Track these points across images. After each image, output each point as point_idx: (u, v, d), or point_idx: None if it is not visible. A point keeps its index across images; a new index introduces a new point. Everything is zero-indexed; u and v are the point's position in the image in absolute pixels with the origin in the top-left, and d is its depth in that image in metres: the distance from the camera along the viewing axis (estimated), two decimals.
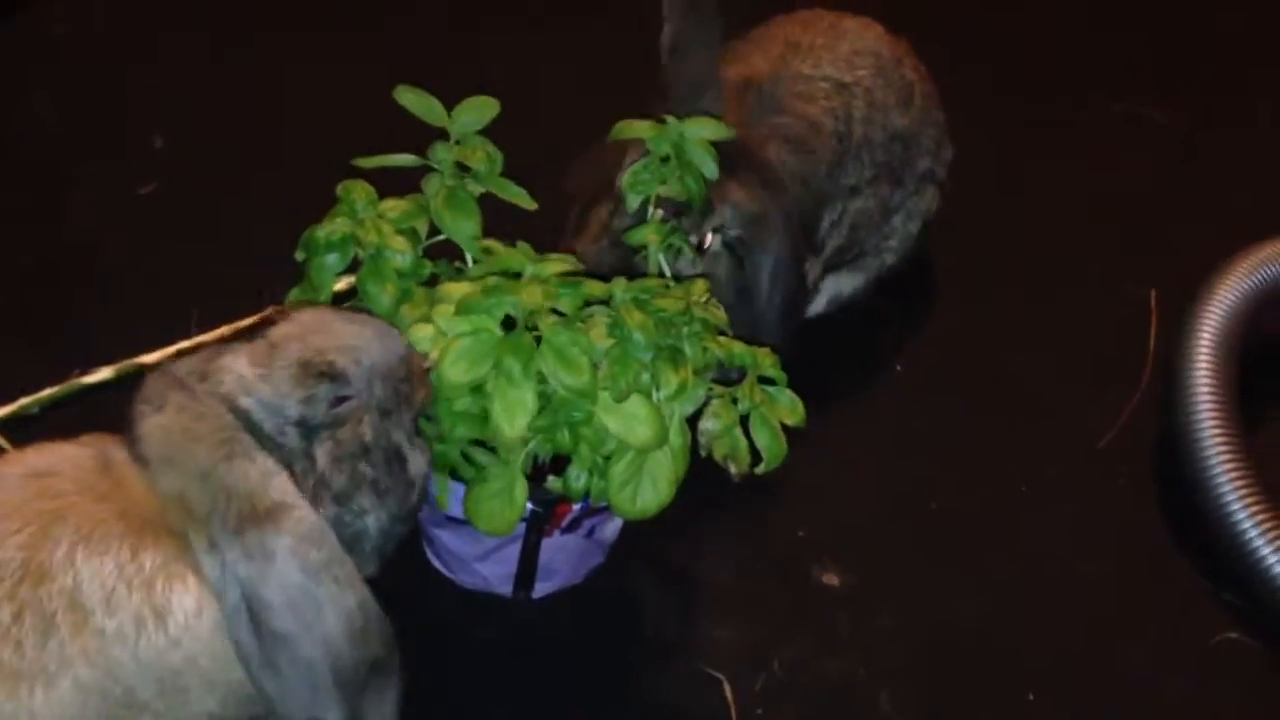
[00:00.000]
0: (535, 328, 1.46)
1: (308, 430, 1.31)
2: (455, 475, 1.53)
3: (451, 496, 1.56)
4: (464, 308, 1.45)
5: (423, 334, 1.48)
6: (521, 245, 1.58)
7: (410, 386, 1.40)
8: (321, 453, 1.32)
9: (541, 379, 1.45)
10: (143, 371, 1.41)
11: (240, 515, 1.23)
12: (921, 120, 2.07)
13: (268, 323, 1.35)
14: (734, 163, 1.76)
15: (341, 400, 1.32)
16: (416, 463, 1.41)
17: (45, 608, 1.20)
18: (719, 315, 1.58)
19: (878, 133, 2.00)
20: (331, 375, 1.31)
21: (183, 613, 1.23)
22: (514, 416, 1.44)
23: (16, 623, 1.20)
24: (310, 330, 1.33)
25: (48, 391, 1.89)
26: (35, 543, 1.22)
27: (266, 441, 1.28)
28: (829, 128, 1.95)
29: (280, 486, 1.26)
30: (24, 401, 1.87)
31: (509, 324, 1.46)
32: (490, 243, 1.59)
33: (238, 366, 1.30)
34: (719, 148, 1.69)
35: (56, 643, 1.20)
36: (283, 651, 1.24)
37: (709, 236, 1.75)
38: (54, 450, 1.32)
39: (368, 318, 1.40)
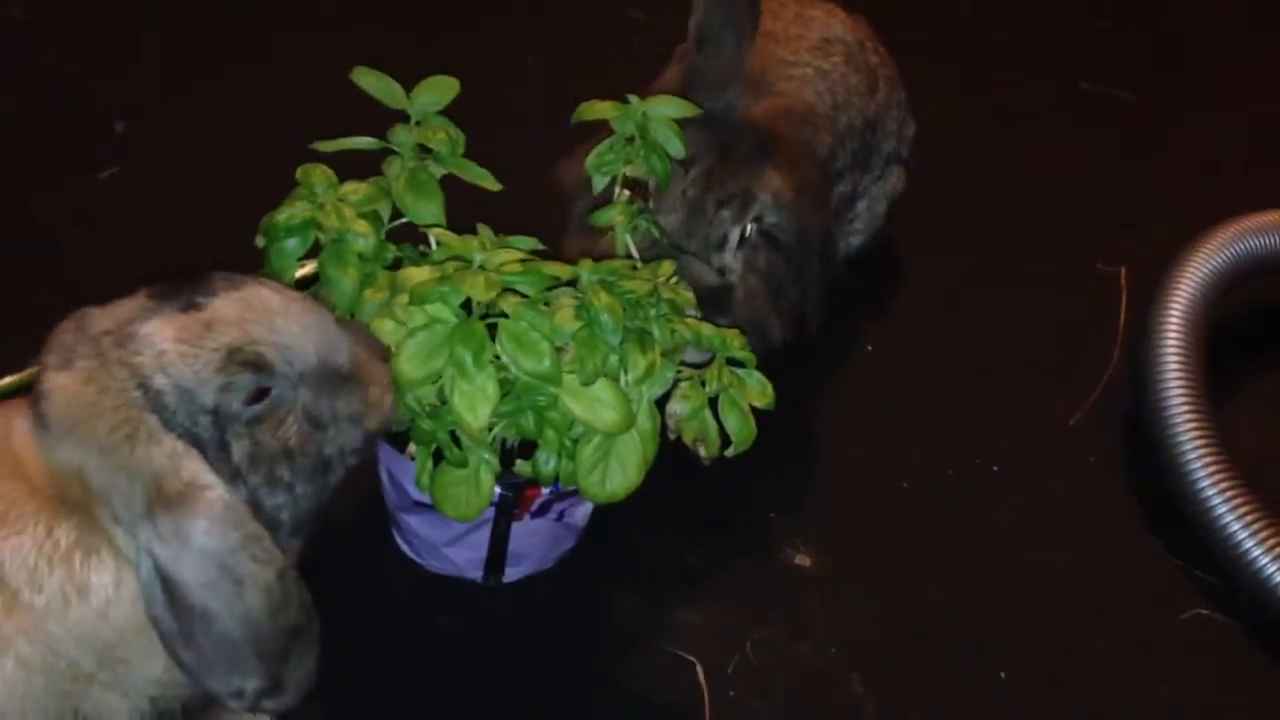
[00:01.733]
0: (498, 314, 1.44)
1: (222, 420, 1.23)
2: (439, 455, 1.51)
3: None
4: (418, 297, 1.42)
5: (386, 328, 1.45)
6: (482, 229, 1.55)
7: (348, 399, 1.31)
8: (238, 448, 1.25)
9: (502, 365, 1.43)
10: None
11: (148, 498, 1.18)
12: (886, 103, 2.07)
13: (206, 284, 1.25)
14: (766, 146, 1.75)
15: (261, 394, 1.24)
16: (340, 471, 1.34)
17: None
18: (686, 296, 1.57)
19: (856, 118, 1.99)
20: (256, 366, 1.23)
21: (102, 588, 1.20)
22: (475, 406, 1.41)
23: None
24: (250, 316, 1.24)
25: (9, 379, 1.86)
26: None
27: (174, 424, 1.20)
28: (823, 111, 1.94)
29: (190, 468, 1.19)
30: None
31: (469, 312, 1.45)
32: (441, 231, 1.55)
33: (161, 339, 1.20)
34: (750, 133, 1.68)
35: None
36: (200, 627, 1.19)
37: (749, 227, 1.75)
38: None
39: (318, 314, 1.30)
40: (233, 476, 1.24)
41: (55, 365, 1.21)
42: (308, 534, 1.35)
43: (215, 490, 1.20)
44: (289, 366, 1.25)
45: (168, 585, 1.19)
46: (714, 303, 1.73)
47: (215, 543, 1.19)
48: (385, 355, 1.38)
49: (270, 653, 1.23)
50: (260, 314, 1.24)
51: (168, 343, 1.20)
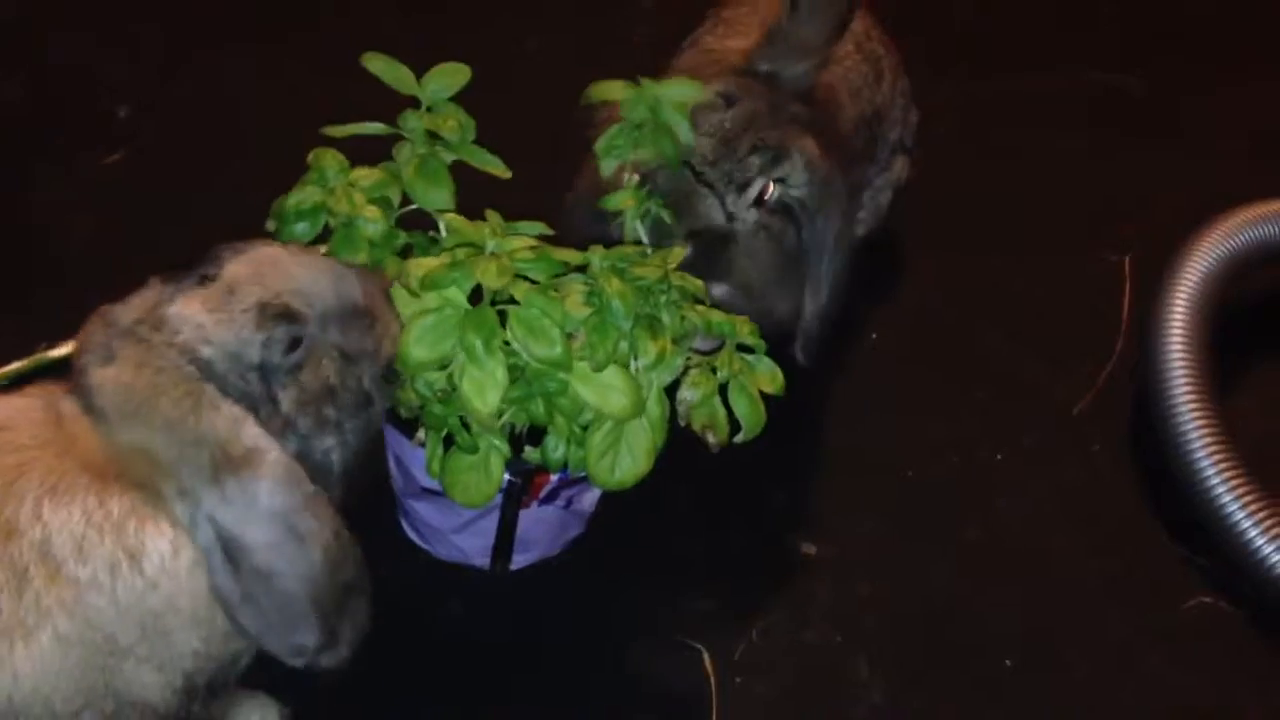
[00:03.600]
0: (509, 299, 1.44)
1: (268, 373, 1.29)
2: (449, 442, 1.51)
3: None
4: (429, 282, 1.43)
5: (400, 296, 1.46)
6: (491, 215, 1.55)
7: (371, 332, 1.38)
8: (285, 397, 1.31)
9: (512, 351, 1.43)
10: None
11: (215, 463, 1.23)
12: (891, 93, 2.05)
13: (212, 258, 1.31)
14: (817, 121, 1.72)
15: (296, 342, 1.30)
16: (380, 403, 1.40)
17: (16, 563, 1.20)
18: (695, 283, 1.57)
19: (866, 108, 1.98)
20: (287, 316, 1.29)
21: (158, 554, 1.23)
22: (485, 392, 1.42)
23: None
24: (265, 271, 1.30)
25: (13, 366, 1.86)
26: (0, 501, 1.21)
27: (229, 388, 1.27)
28: (842, 96, 1.92)
29: (251, 432, 1.25)
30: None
31: (480, 295, 1.44)
32: (453, 217, 1.56)
33: (193, 313, 1.27)
34: (806, 105, 1.64)
35: (32, 596, 1.20)
36: (263, 587, 1.25)
37: (771, 186, 1.69)
38: (2, 403, 1.30)
39: (321, 259, 1.37)
40: (284, 427, 1.31)
41: (97, 361, 1.26)
42: (355, 484, 1.40)
43: (275, 452, 1.26)
44: (312, 310, 1.32)
45: (230, 550, 1.24)
46: (710, 248, 1.67)
47: (280, 502, 1.25)
48: (388, 288, 1.44)
49: (328, 609, 1.29)
50: (273, 267, 1.31)
51: (201, 315, 1.27)
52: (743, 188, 1.69)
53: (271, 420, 1.29)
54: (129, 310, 1.29)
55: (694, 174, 1.68)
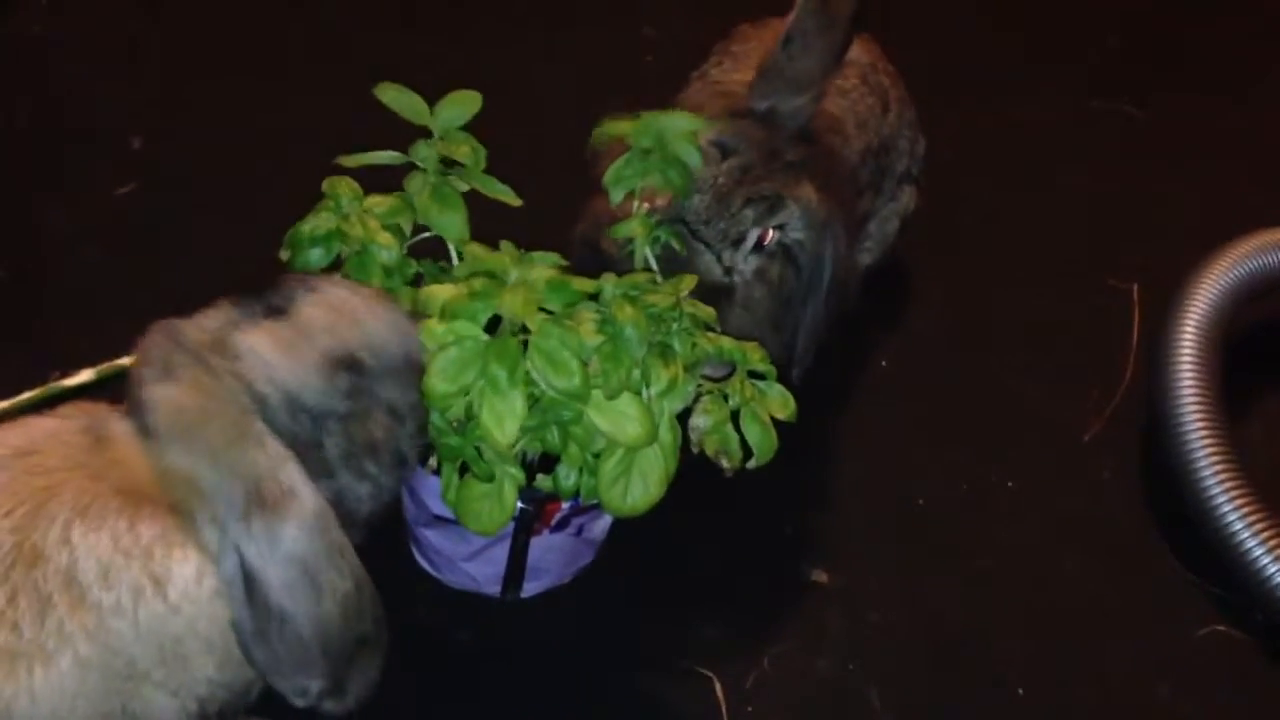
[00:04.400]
0: (524, 329, 1.44)
1: (319, 419, 1.30)
2: (462, 470, 1.51)
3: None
4: (449, 312, 1.44)
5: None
6: (505, 246, 1.56)
7: (418, 389, 1.39)
8: (331, 445, 1.32)
9: (530, 381, 1.44)
10: (125, 375, 1.37)
11: (249, 499, 1.23)
12: (897, 124, 2.06)
13: (284, 289, 1.32)
14: (814, 160, 1.73)
15: (357, 393, 1.32)
16: (411, 465, 1.41)
17: (40, 589, 1.20)
18: (706, 310, 1.57)
19: (873, 140, 1.99)
20: (352, 367, 1.31)
21: (183, 580, 1.23)
22: (504, 423, 1.42)
23: (11, 605, 1.19)
24: (339, 318, 1.31)
25: (27, 395, 1.87)
26: (28, 523, 1.21)
27: (279, 426, 1.27)
28: (849, 128, 1.94)
29: (290, 473, 1.25)
30: (3, 405, 1.84)
31: (495, 325, 1.45)
32: (473, 246, 1.57)
33: (261, 348, 1.28)
34: (803, 144, 1.65)
35: (55, 622, 1.20)
36: (276, 626, 1.25)
37: (771, 234, 1.71)
38: (33, 425, 1.30)
39: (391, 310, 1.38)
40: (324, 472, 1.31)
41: (155, 377, 1.26)
42: (373, 529, 1.40)
43: (310, 499, 1.25)
44: (377, 364, 1.33)
45: (251, 583, 1.24)
46: (710, 302, 1.68)
47: (303, 549, 1.24)
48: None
49: (337, 657, 1.28)
50: (347, 316, 1.32)
51: (268, 351, 1.28)
52: (738, 242, 1.71)
53: (313, 464, 1.29)
54: (195, 329, 1.29)
55: (689, 232, 1.69)
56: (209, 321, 1.30)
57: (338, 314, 1.32)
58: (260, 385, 1.27)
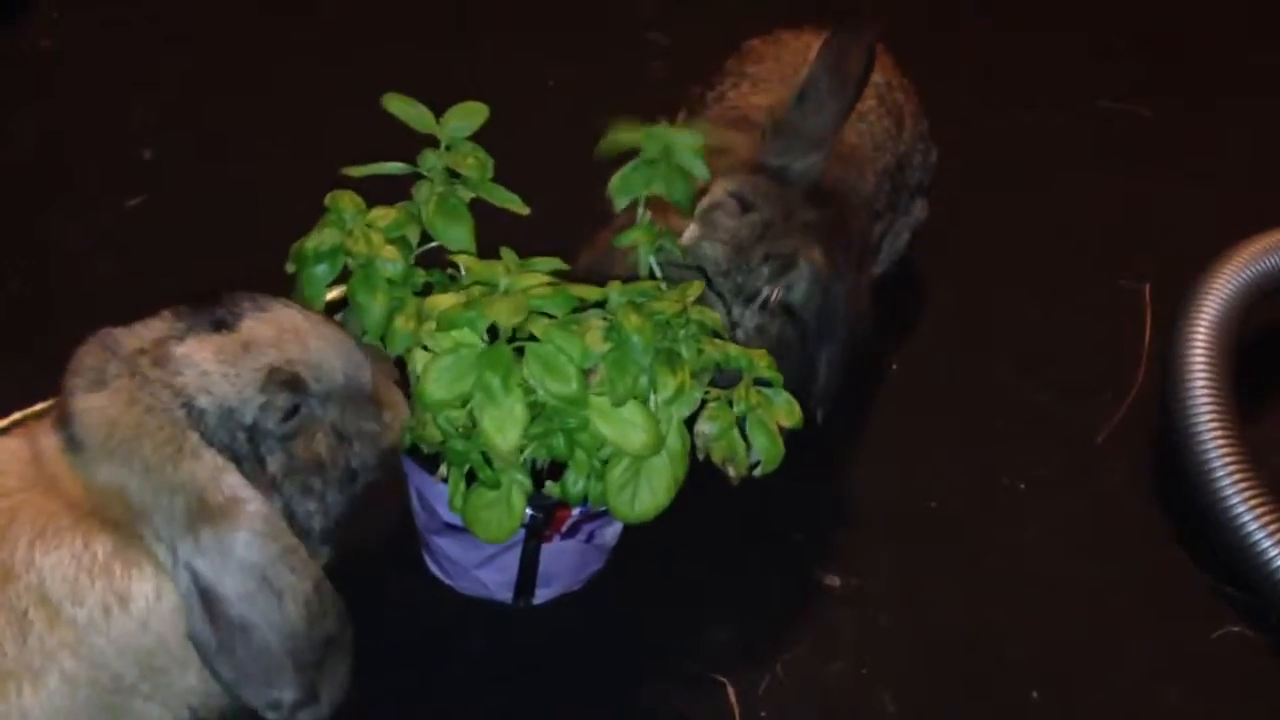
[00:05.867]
0: (526, 336, 1.45)
1: (257, 437, 1.27)
2: (471, 477, 1.52)
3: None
4: (444, 322, 1.44)
5: (419, 360, 1.46)
6: (505, 253, 1.56)
7: (373, 418, 1.36)
8: (273, 462, 1.29)
9: (529, 388, 1.44)
10: None
11: (190, 512, 1.20)
12: (912, 139, 2.06)
13: (232, 304, 1.29)
14: (824, 218, 1.73)
15: (293, 412, 1.28)
16: (363, 481, 1.38)
17: (16, 606, 1.19)
18: (713, 316, 1.57)
19: (890, 160, 1.99)
20: (293, 386, 1.27)
21: (143, 598, 1.22)
22: (505, 430, 1.42)
23: None
24: (284, 337, 1.28)
25: (39, 407, 1.87)
26: None
27: (215, 441, 1.24)
28: (866, 153, 1.94)
29: (231, 482, 1.22)
30: (15, 417, 1.85)
31: (496, 334, 1.45)
32: (466, 257, 1.57)
33: (201, 360, 1.24)
34: (816, 201, 1.67)
35: (35, 638, 1.19)
36: (239, 639, 1.22)
37: (778, 291, 1.71)
38: None
39: (339, 335, 1.35)
40: (268, 488, 1.28)
41: (86, 386, 1.23)
42: (337, 544, 1.38)
43: (255, 503, 1.23)
44: (319, 385, 1.30)
45: (207, 599, 1.21)
46: None
47: (256, 555, 1.22)
48: (397, 378, 1.43)
49: (306, 663, 1.26)
50: (293, 335, 1.29)
51: (209, 363, 1.24)
52: (750, 299, 1.71)
53: (256, 478, 1.27)
54: (132, 337, 1.25)
55: (706, 279, 1.69)
56: (148, 331, 1.26)
57: (283, 333, 1.28)
58: (197, 399, 1.23)
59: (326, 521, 1.34)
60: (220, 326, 1.26)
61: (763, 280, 1.70)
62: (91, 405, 1.22)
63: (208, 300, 1.30)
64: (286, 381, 1.26)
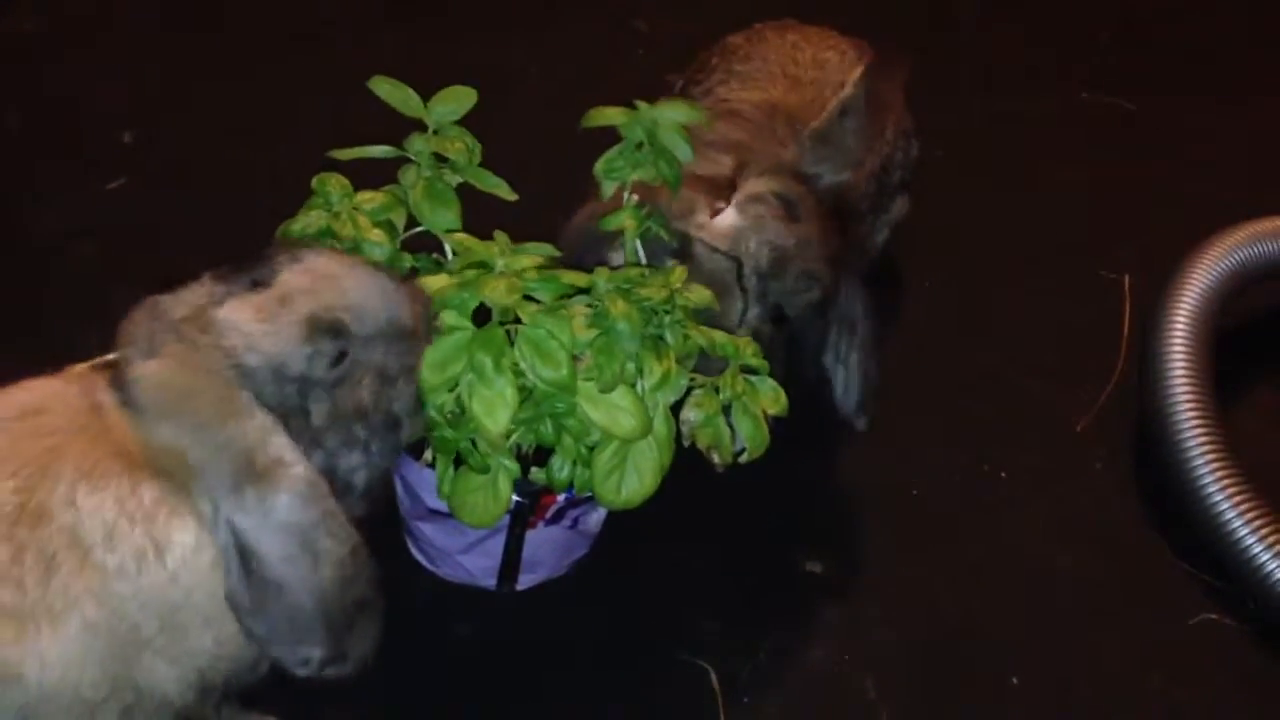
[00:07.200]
0: (515, 320, 1.45)
1: (306, 386, 1.29)
2: (459, 461, 1.51)
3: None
4: (437, 302, 1.44)
5: None
6: (499, 236, 1.56)
7: (412, 353, 1.38)
8: (318, 410, 1.31)
9: (520, 372, 1.44)
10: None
11: (238, 471, 1.23)
12: (894, 138, 2.05)
13: (267, 261, 1.31)
14: (841, 249, 1.75)
15: (342, 357, 1.30)
16: (408, 428, 1.40)
17: (45, 548, 1.20)
18: (703, 295, 1.56)
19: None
20: (335, 331, 1.29)
21: (181, 548, 1.24)
22: (495, 412, 1.42)
23: (16, 564, 1.20)
24: (320, 284, 1.30)
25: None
26: (33, 483, 1.22)
27: (266, 397, 1.26)
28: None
29: (278, 443, 1.25)
30: None
31: (486, 317, 1.45)
32: (462, 236, 1.57)
33: (241, 320, 1.26)
34: (831, 209, 1.69)
35: (60, 581, 1.20)
36: (274, 597, 1.25)
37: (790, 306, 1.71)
38: (39, 386, 1.30)
39: (375, 274, 1.36)
40: (312, 441, 1.30)
41: (140, 354, 1.26)
42: (374, 501, 1.40)
43: (299, 467, 1.26)
44: (361, 327, 1.31)
45: (245, 557, 1.24)
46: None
47: (296, 517, 1.25)
48: (430, 307, 1.43)
49: (337, 624, 1.29)
50: (328, 280, 1.31)
51: (250, 323, 1.27)
52: (771, 308, 1.71)
53: (301, 433, 1.29)
54: (178, 305, 1.28)
55: (738, 272, 1.67)
56: (191, 296, 1.29)
57: (319, 279, 1.30)
58: (245, 358, 1.26)
59: (370, 474, 1.37)
60: (257, 285, 1.29)
61: (787, 293, 1.70)
62: (147, 372, 1.25)
63: (247, 260, 1.33)
64: (328, 328, 1.28)
